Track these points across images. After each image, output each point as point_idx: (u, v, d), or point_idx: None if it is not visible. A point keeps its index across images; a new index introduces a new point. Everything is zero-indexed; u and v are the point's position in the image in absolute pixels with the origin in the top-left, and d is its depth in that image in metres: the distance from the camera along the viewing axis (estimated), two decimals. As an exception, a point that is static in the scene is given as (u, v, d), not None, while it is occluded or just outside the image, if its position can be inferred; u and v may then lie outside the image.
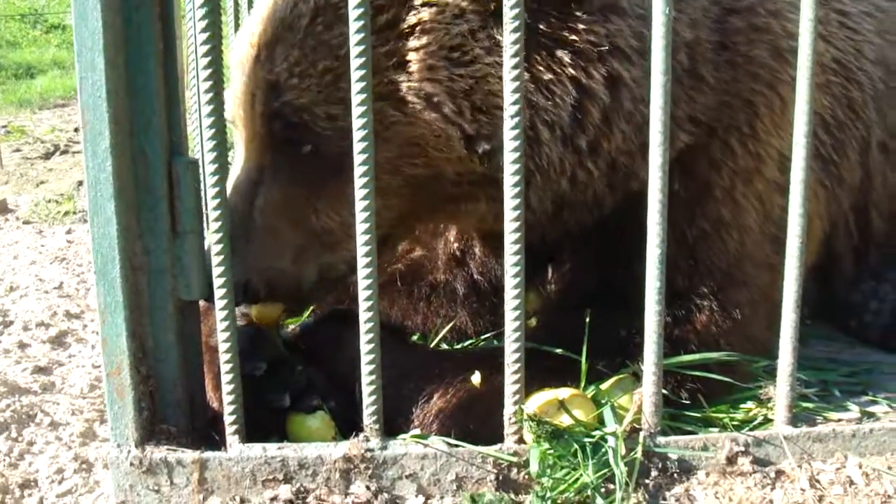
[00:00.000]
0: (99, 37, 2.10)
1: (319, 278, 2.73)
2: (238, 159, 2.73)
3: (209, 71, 2.10)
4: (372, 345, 2.23)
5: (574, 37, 2.53)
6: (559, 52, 2.52)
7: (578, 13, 2.52)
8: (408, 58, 2.47)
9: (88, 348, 3.69)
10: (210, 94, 2.11)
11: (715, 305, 2.82)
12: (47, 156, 8.41)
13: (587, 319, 2.63)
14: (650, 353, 2.33)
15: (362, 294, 2.20)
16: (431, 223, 2.98)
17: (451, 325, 3.20)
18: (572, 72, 2.53)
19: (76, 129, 9.21)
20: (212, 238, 2.23)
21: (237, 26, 3.92)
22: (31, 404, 3.10)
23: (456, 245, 3.28)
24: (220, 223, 2.22)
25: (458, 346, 3.18)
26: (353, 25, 2.12)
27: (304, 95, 2.49)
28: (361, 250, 2.17)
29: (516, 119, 2.15)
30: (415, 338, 3.21)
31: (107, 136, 2.15)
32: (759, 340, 2.89)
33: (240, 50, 2.66)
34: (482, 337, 3.21)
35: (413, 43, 2.47)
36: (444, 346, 3.19)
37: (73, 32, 2.14)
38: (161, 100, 2.23)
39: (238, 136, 2.74)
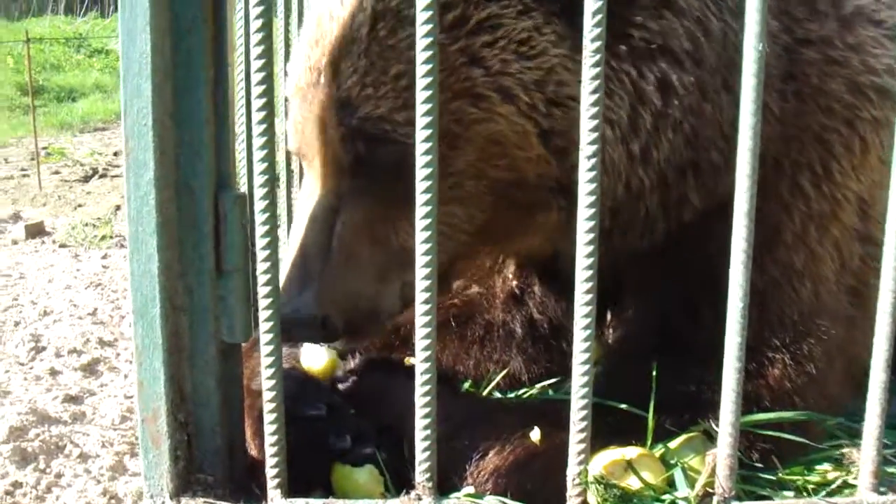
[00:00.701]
0: (147, 61, 1.97)
1: (401, 302, 2.59)
2: (307, 191, 2.60)
3: (262, 101, 1.95)
4: (428, 397, 2.07)
5: (631, 30, 2.45)
6: (616, 46, 2.43)
7: (635, 4, 2.46)
8: (481, 53, 2.39)
9: (121, 377, 3.62)
10: (263, 126, 1.96)
11: (788, 359, 2.64)
12: (86, 179, 8.45)
13: (652, 371, 2.48)
14: (727, 413, 2.15)
15: (420, 344, 2.04)
16: (501, 243, 2.81)
17: (504, 372, 3.03)
18: (629, 68, 2.46)
19: (116, 153, 9.28)
20: (260, 278, 2.08)
21: (287, 55, 3.78)
22: (61, 435, 3.04)
23: (515, 283, 3.13)
24: (268, 262, 2.07)
25: (513, 395, 3.01)
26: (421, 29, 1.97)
27: (381, 105, 2.38)
28: (421, 297, 2.01)
29: (594, 133, 1.99)
30: (466, 385, 3.05)
31: (151, 167, 2.01)
32: (833, 397, 2.72)
33: (297, 78, 2.55)
34: (537, 385, 3.04)
35: (484, 38, 2.39)
36: (497, 395, 3.02)
37: (119, 56, 2.01)
38: (210, 130, 2.08)
39: (306, 167, 2.62)
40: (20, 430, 3.03)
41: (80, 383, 3.54)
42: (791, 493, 2.42)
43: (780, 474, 2.48)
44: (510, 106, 2.41)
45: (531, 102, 2.42)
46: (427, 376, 2.06)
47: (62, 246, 6.01)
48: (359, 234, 2.49)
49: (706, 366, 2.34)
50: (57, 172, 8.64)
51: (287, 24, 3.86)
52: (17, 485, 2.73)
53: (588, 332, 2.06)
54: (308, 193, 2.59)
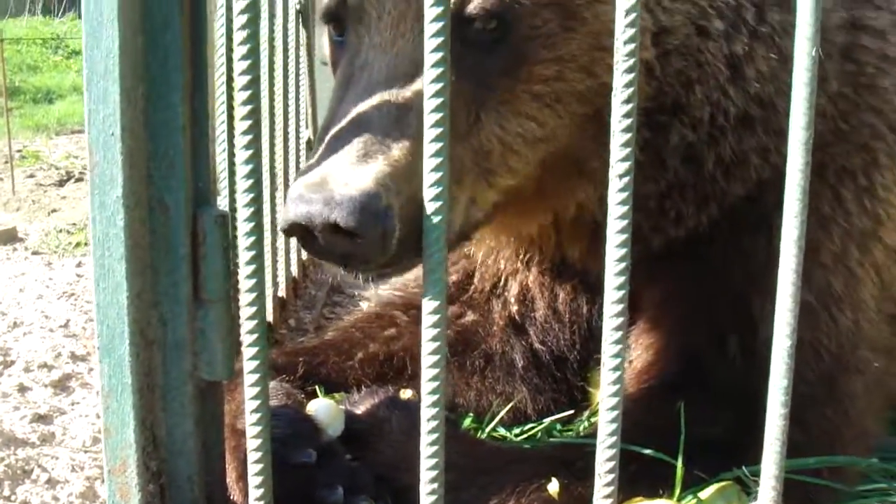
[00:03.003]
0: (114, 62, 1.69)
1: (462, 221, 2.17)
2: (365, 56, 2.16)
3: (247, 108, 1.69)
4: (436, 447, 1.80)
5: None
6: None
7: None
8: None
9: (93, 395, 3.48)
10: (248, 137, 1.70)
11: (825, 396, 2.41)
12: (61, 183, 8.40)
13: (679, 411, 2.25)
14: (770, 465, 1.89)
15: (426, 381, 1.76)
16: (555, 192, 2.46)
17: (509, 406, 2.79)
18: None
19: (93, 157, 9.16)
20: (244, 304, 1.80)
21: (271, 55, 3.51)
22: (28, 458, 2.88)
23: (515, 308, 2.89)
24: (253, 289, 1.80)
25: (518, 430, 2.76)
26: None
27: None
28: (428, 306, 1.74)
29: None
30: (468, 421, 2.81)
31: (119, 182, 1.74)
32: (871, 436, 2.51)
33: None
34: (545, 420, 2.80)
35: None
36: (502, 430, 2.78)
37: (82, 55, 1.75)
38: (187, 140, 1.81)
39: (359, 32, 2.20)
40: (-16, 453, 2.85)
41: (50, 401, 3.38)
42: (831, 549, 2.21)
43: (820, 528, 2.27)
44: None
45: None
46: (435, 423, 1.79)
47: (35, 253, 5.88)
48: None
49: (736, 405, 2.15)
50: (31, 176, 8.55)
51: (271, 22, 3.60)
52: (-21, 514, 2.59)
53: (618, 372, 1.80)
54: (368, 59, 2.15)
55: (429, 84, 1.60)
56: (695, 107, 2.30)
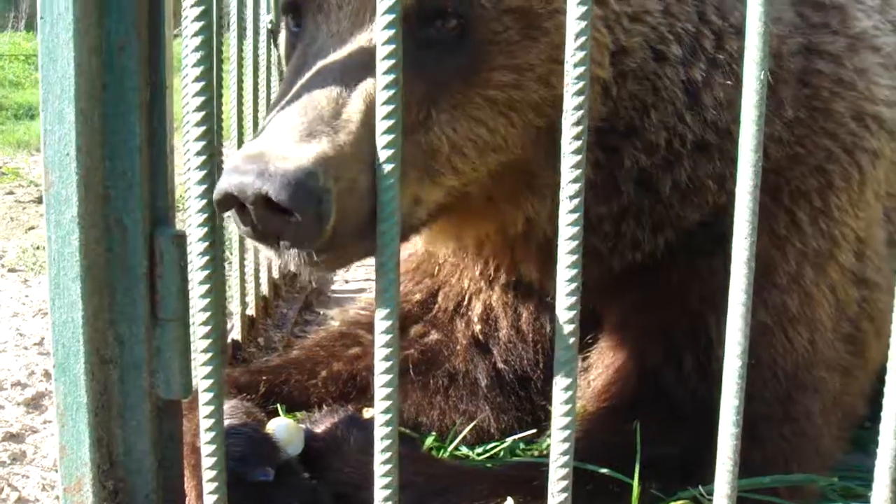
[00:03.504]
0: (70, 82, 1.72)
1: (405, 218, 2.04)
2: (321, 43, 2.12)
3: (202, 129, 1.70)
4: (389, 465, 1.82)
5: None
6: None
7: None
8: None
9: None
10: (202, 158, 1.71)
11: (781, 416, 2.44)
12: (40, 200, 8.25)
13: (635, 430, 2.27)
14: (723, 484, 1.91)
15: (380, 398, 1.78)
16: (504, 203, 2.45)
17: (472, 424, 2.80)
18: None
19: (72, 174, 9.10)
20: (198, 325, 1.81)
21: (240, 74, 3.53)
22: None
23: (479, 327, 2.90)
24: (208, 309, 1.81)
25: (481, 450, 2.78)
26: None
27: None
28: (381, 330, 1.76)
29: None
30: (430, 439, 2.82)
31: (74, 203, 1.76)
32: (829, 455, 2.53)
33: None
34: (508, 439, 2.82)
35: None
36: (464, 449, 2.79)
37: (39, 75, 1.77)
38: (144, 161, 1.84)
39: (318, 20, 2.17)
40: (-47, 473, 2.85)
41: (23, 419, 3.37)
42: (788, 567, 2.23)
43: (776, 548, 2.28)
44: (599, 9, 2.17)
45: (618, 11, 2.21)
46: (388, 441, 1.80)
47: (11, 270, 5.84)
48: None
49: (692, 424, 2.16)
50: (10, 193, 8.48)
51: (240, 42, 3.62)
52: (-53, 535, 2.59)
53: (570, 392, 1.82)
54: (324, 46, 2.10)
55: (381, 74, 1.61)
56: (650, 131, 2.33)
